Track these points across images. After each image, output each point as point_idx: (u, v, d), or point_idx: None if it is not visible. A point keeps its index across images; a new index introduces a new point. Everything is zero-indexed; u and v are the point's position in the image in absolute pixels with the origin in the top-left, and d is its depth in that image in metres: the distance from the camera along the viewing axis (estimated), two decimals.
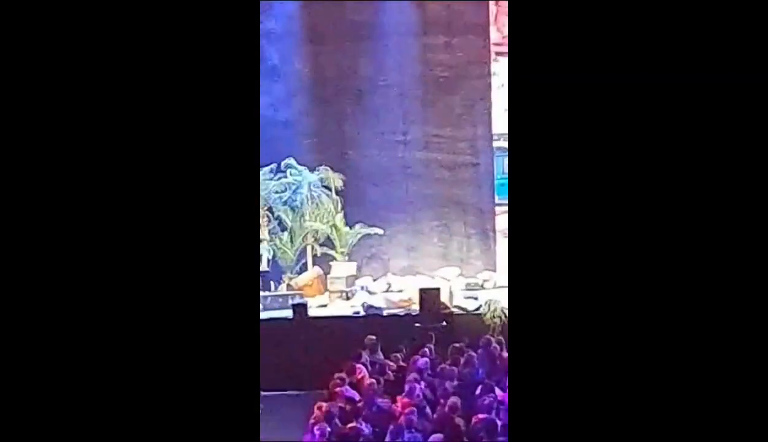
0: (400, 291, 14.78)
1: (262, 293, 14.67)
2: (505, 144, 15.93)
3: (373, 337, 11.70)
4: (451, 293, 14.28)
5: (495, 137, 15.72)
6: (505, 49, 14.95)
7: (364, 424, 8.68)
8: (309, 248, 15.66)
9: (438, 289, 13.73)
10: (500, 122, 15.50)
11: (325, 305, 14.55)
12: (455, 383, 10.33)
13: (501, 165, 15.83)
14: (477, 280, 15.09)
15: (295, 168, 15.67)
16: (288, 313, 13.73)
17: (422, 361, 10.70)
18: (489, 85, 15.71)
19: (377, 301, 14.42)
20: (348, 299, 14.69)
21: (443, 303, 13.70)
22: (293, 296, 14.48)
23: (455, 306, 14.07)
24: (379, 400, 9.38)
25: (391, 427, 8.63)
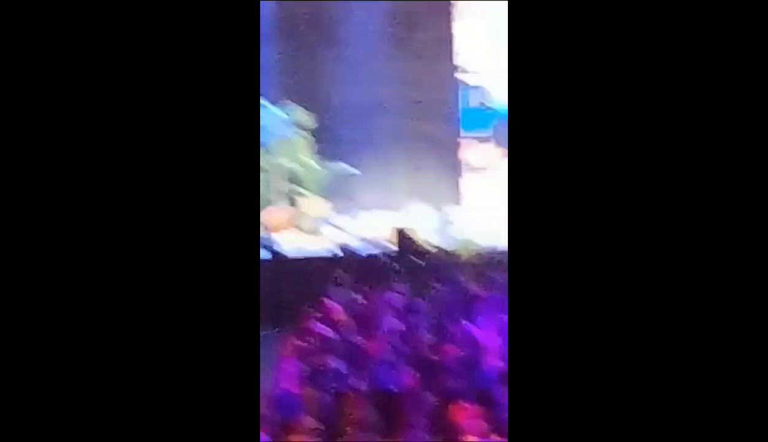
0: (372, 228, 14.79)
1: None
2: (469, 77, 15.89)
3: (346, 274, 11.73)
4: (421, 229, 14.30)
5: (460, 70, 15.64)
6: None
7: (337, 360, 8.70)
8: (278, 186, 15.59)
9: (410, 227, 13.75)
10: (464, 56, 15.46)
11: (296, 244, 14.54)
12: (427, 318, 10.38)
13: (466, 98, 15.80)
14: (447, 215, 15.11)
15: (265, 106, 15.55)
16: (265, 254, 13.70)
17: (396, 297, 10.73)
18: (451, 19, 15.60)
19: (350, 239, 14.43)
20: (319, 236, 14.69)
21: (415, 240, 13.73)
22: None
23: (426, 242, 14.10)
24: (353, 336, 9.41)
25: (365, 363, 8.68)
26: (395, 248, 13.48)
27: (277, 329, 10.01)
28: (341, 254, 13.91)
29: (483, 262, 13.17)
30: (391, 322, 9.68)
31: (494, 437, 7.15)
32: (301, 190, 15.61)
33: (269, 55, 15.90)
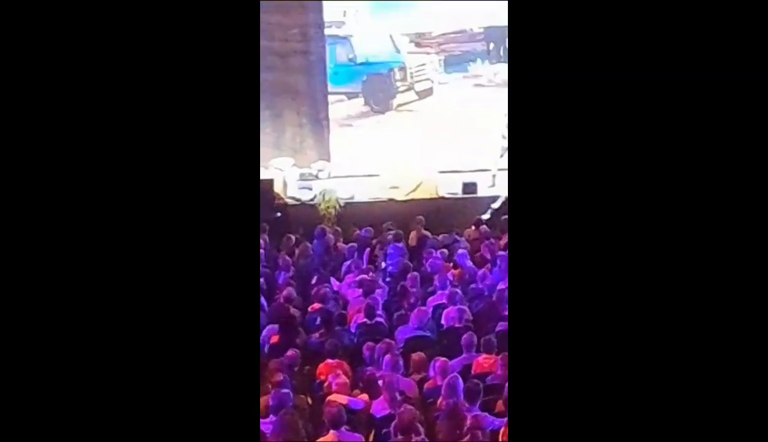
0: None
1: None
2: (338, 31, 15.77)
3: None
4: (285, 183, 14.15)
5: (327, 25, 15.49)
6: None
7: None
8: None
9: (272, 180, 13.57)
10: (332, 10, 15.36)
11: None
12: (290, 273, 10.32)
13: (334, 53, 15.66)
14: (311, 170, 15.01)
15: None
16: None
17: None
18: None
19: None
20: None
21: (277, 194, 13.58)
22: None
23: (289, 197, 13.98)
24: None
25: None
26: None
27: None
28: None
29: (347, 217, 13.18)
30: None
31: (356, 392, 7.19)
32: None
33: None
